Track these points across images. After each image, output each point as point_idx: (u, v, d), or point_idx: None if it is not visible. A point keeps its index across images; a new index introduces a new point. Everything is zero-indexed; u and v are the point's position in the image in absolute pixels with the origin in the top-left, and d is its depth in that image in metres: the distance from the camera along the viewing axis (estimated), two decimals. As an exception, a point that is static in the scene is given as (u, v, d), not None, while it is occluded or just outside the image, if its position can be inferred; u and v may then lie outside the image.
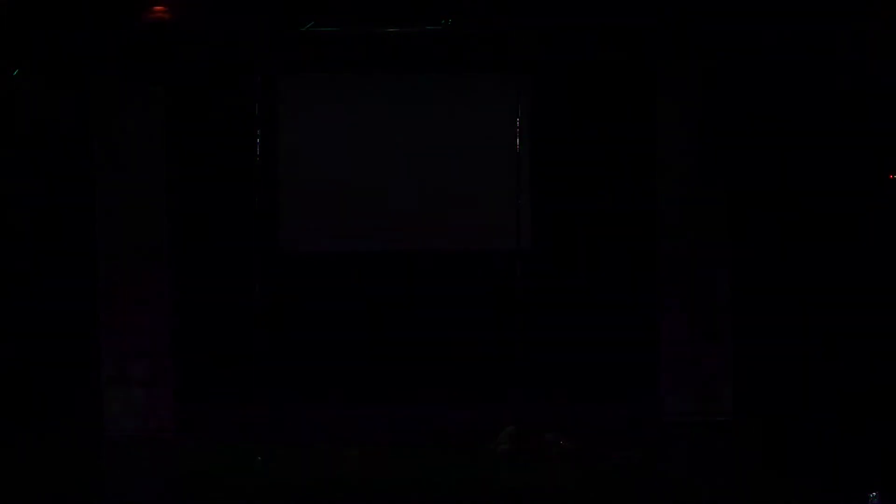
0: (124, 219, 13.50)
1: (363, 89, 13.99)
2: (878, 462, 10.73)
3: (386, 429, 12.98)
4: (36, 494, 10.67)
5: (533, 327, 13.39)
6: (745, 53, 10.73)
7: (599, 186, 13.99)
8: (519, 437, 12.34)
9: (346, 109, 14.01)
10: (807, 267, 10.97)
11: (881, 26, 10.25)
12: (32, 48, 11.47)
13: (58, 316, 13.48)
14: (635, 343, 13.76)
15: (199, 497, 11.23)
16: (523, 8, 11.91)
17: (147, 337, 13.45)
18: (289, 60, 13.52)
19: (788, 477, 10.91)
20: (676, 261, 13.31)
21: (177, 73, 13.54)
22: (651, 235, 13.42)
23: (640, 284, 13.63)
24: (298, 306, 14.12)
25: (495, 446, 12.46)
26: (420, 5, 11.79)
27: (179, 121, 13.66)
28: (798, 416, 10.98)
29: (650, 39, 12.92)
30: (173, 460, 12.45)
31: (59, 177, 13.10)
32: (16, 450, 12.28)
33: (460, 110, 13.96)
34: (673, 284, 13.33)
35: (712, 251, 13.33)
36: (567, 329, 14.04)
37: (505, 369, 13.44)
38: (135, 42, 12.73)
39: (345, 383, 14.00)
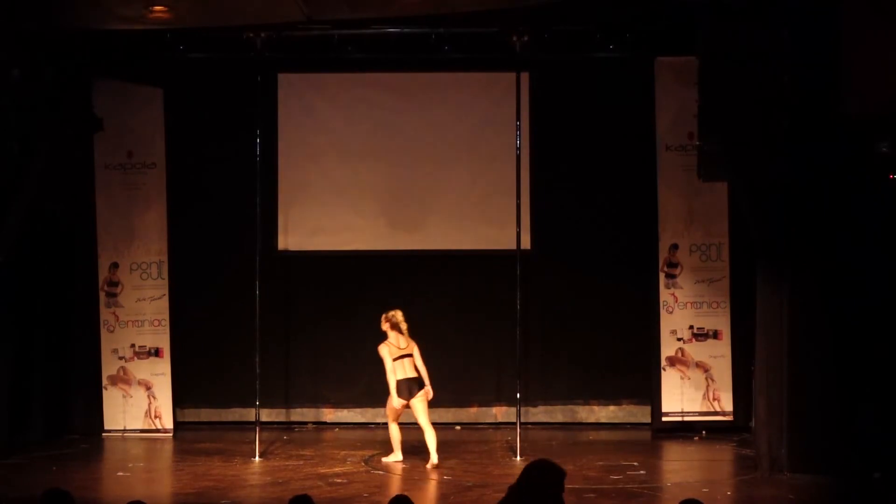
0: (125, 220, 13.58)
1: (363, 89, 14.00)
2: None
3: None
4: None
5: (532, 327, 13.39)
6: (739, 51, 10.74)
7: (599, 184, 13.99)
8: None
9: (346, 109, 14.01)
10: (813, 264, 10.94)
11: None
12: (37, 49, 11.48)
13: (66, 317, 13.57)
14: (635, 341, 13.80)
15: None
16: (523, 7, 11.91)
17: (147, 336, 13.51)
18: (289, 60, 13.56)
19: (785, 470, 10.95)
20: (677, 258, 13.38)
21: (177, 73, 13.59)
22: (652, 233, 13.45)
23: (641, 282, 13.66)
24: (297, 306, 14.14)
25: None
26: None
27: (179, 120, 13.71)
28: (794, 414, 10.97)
29: (649, 37, 13.00)
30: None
31: (60, 177, 13.09)
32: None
33: (460, 109, 13.96)
34: (674, 281, 13.39)
35: (714, 249, 13.40)
36: (567, 328, 14.07)
37: (504, 370, 13.44)
38: (135, 43, 12.78)
39: (343, 384, 14.05)
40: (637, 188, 13.68)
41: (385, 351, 11.57)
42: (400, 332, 11.62)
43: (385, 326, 11.65)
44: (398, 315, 11.63)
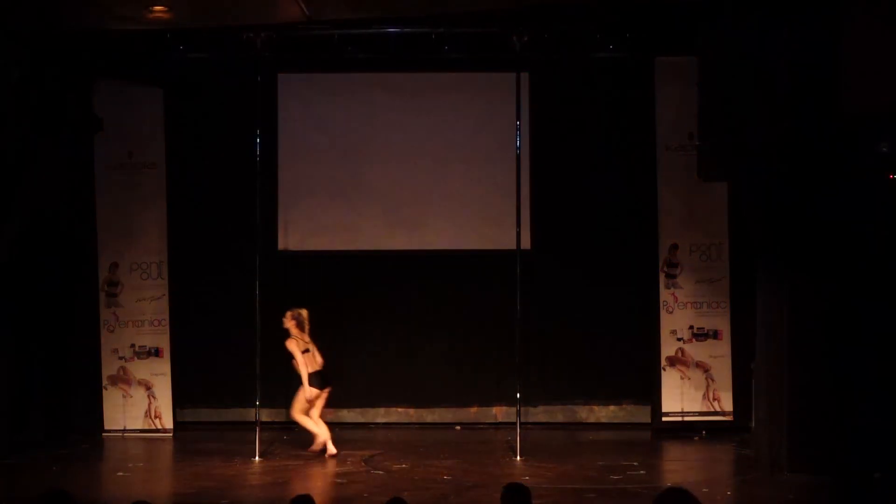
0: (125, 220, 13.57)
1: (363, 89, 13.99)
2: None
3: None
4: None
5: (532, 327, 13.37)
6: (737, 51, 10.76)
7: (599, 185, 13.98)
8: None
9: (346, 109, 14.01)
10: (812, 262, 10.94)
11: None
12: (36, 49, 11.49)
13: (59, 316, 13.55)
14: (635, 341, 13.79)
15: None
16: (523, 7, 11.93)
17: (147, 336, 13.51)
18: (289, 60, 13.56)
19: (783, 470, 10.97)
20: (677, 258, 13.39)
21: (177, 73, 13.58)
22: (652, 233, 13.45)
23: (641, 282, 13.65)
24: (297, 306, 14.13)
25: None
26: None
27: (179, 120, 13.71)
28: (794, 414, 10.97)
29: (649, 37, 13.00)
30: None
31: (61, 179, 13.08)
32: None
33: (460, 109, 13.96)
34: (674, 281, 13.39)
35: (714, 249, 13.40)
36: (567, 328, 14.06)
37: (504, 370, 13.42)
38: (135, 43, 12.77)
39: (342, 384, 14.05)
40: (637, 188, 13.68)
41: (294, 345, 12.23)
42: (303, 330, 12.29)
43: (290, 324, 12.30)
44: (304, 313, 12.33)
